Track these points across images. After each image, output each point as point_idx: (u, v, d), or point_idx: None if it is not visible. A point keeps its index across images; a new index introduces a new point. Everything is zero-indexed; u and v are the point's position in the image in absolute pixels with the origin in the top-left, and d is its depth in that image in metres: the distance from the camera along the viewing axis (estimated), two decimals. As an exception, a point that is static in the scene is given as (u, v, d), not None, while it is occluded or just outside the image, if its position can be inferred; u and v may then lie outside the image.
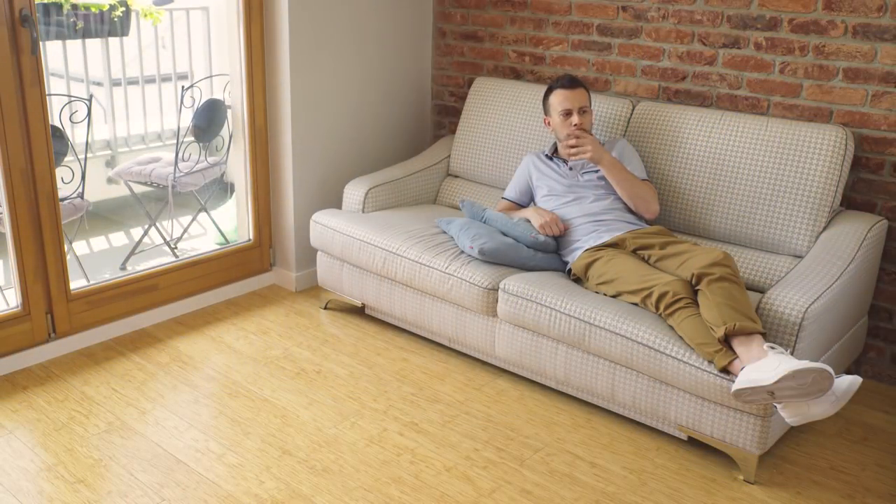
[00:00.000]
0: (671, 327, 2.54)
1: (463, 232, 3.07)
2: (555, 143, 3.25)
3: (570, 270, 2.97)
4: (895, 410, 2.93)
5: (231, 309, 3.59)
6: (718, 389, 2.41)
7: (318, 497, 2.38)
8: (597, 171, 3.11)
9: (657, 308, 2.57)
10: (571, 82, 3.11)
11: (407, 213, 3.48)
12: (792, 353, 2.43)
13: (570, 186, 3.13)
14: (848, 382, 2.22)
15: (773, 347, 2.28)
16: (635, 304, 2.68)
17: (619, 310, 2.64)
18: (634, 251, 2.85)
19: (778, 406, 2.27)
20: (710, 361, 2.41)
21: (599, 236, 2.93)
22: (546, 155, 3.25)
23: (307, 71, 3.55)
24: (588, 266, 2.85)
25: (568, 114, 3.08)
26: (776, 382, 2.16)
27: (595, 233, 2.95)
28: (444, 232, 3.24)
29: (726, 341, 2.38)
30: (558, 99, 3.10)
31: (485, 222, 3.13)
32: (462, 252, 3.06)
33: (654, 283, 2.60)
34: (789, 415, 2.26)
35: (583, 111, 3.08)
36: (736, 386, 2.26)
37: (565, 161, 3.19)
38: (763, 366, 2.22)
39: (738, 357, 2.34)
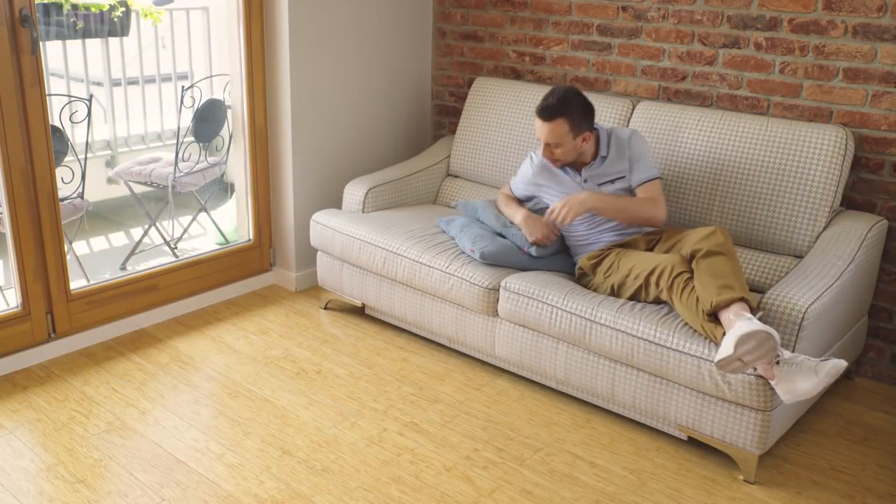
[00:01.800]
0: (674, 310, 2.58)
1: (463, 233, 3.07)
2: None
3: (578, 268, 2.96)
4: (895, 410, 2.93)
5: (231, 309, 3.59)
6: (719, 381, 2.41)
7: (318, 497, 2.38)
8: (613, 183, 2.93)
9: (658, 285, 2.60)
10: (546, 113, 2.81)
11: (407, 213, 3.48)
12: (792, 353, 2.43)
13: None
14: (832, 364, 2.26)
15: (742, 315, 2.31)
16: (636, 301, 2.68)
17: (619, 306, 2.65)
18: (644, 249, 2.87)
19: (772, 382, 2.31)
20: (713, 339, 2.44)
21: (612, 240, 2.94)
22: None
23: (307, 71, 3.55)
24: (596, 264, 2.87)
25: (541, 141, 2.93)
26: (734, 351, 2.23)
27: (609, 238, 2.95)
28: (445, 232, 3.24)
29: (716, 318, 2.41)
30: (535, 123, 2.89)
31: (479, 220, 3.14)
32: (462, 252, 3.06)
33: (656, 263, 2.64)
34: (782, 392, 2.31)
35: (555, 146, 2.85)
36: (715, 358, 2.33)
37: (578, 171, 2.98)
38: (728, 335, 2.29)
39: None
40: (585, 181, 2.96)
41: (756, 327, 2.23)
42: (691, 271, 2.56)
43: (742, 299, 2.38)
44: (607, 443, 2.67)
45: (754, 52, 3.13)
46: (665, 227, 2.93)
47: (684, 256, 2.60)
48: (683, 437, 2.64)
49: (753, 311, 2.40)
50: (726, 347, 2.27)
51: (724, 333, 2.37)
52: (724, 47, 3.19)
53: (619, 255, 2.81)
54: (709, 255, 2.50)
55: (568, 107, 2.80)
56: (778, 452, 2.64)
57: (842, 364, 2.27)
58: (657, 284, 2.60)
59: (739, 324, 2.29)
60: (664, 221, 2.91)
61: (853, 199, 3.04)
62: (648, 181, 2.91)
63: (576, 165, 2.98)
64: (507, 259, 2.97)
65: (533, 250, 2.97)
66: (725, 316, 2.38)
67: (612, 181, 2.94)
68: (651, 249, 2.86)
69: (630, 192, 2.94)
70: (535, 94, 3.53)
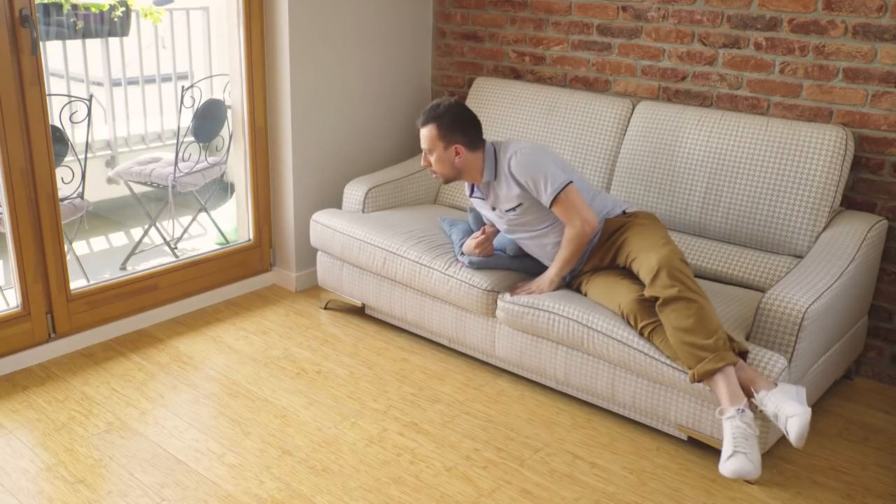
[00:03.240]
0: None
1: (460, 240, 3.08)
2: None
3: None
4: (895, 410, 2.93)
5: (231, 309, 3.59)
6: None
7: (318, 497, 2.38)
8: (514, 211, 2.82)
9: (632, 326, 2.59)
10: (420, 118, 2.82)
11: (407, 213, 3.47)
12: (792, 355, 2.43)
13: (508, 225, 2.91)
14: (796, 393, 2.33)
15: (729, 421, 2.31)
16: None
17: (616, 313, 2.64)
18: (610, 264, 2.79)
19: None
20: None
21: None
22: (469, 185, 2.99)
23: (307, 71, 3.55)
24: (579, 287, 2.86)
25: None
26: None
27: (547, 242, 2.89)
28: (446, 233, 3.24)
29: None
30: None
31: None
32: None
33: (616, 305, 2.61)
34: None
35: (429, 151, 2.82)
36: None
37: (484, 196, 2.92)
38: (725, 450, 2.32)
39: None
40: (494, 209, 2.89)
41: (741, 467, 2.26)
42: (652, 313, 2.51)
43: (727, 366, 2.34)
44: (607, 443, 2.67)
45: (754, 52, 3.13)
46: (627, 221, 2.77)
47: (643, 297, 2.53)
48: (683, 437, 2.64)
49: (743, 355, 2.40)
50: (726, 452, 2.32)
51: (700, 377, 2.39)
52: (724, 47, 3.19)
53: (588, 283, 2.80)
54: (667, 303, 2.42)
55: (440, 114, 2.78)
56: (778, 452, 2.64)
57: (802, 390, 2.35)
58: (628, 324, 2.58)
59: (733, 452, 2.28)
60: (597, 220, 2.74)
61: (853, 199, 3.04)
62: (555, 198, 2.70)
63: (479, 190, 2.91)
64: (496, 265, 2.98)
65: (466, 260, 2.96)
66: (714, 388, 2.37)
67: (514, 209, 2.82)
68: (615, 256, 2.76)
69: (545, 210, 2.78)
70: (536, 94, 3.53)
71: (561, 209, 2.73)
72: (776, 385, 2.35)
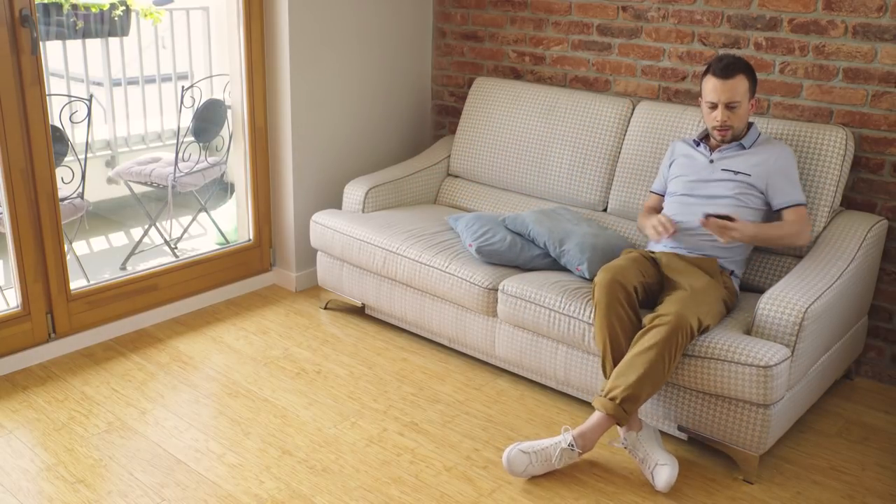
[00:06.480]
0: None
1: (469, 229, 3.08)
2: (705, 129, 2.89)
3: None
4: (895, 410, 2.93)
5: (231, 309, 3.59)
6: (717, 379, 2.41)
7: (318, 497, 2.38)
8: (735, 175, 2.76)
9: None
10: (725, 70, 2.66)
11: (407, 213, 3.48)
12: (793, 353, 2.42)
13: (703, 182, 2.81)
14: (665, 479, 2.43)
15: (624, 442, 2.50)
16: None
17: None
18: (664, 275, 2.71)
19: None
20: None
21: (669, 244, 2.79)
22: (694, 140, 2.90)
23: (307, 71, 3.55)
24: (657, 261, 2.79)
25: (713, 106, 2.72)
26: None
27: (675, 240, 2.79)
28: (452, 229, 3.24)
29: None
30: (707, 87, 2.71)
31: (530, 236, 3.02)
32: (462, 251, 3.07)
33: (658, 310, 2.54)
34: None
35: (731, 106, 2.69)
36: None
37: (710, 150, 2.84)
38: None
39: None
40: (712, 161, 2.80)
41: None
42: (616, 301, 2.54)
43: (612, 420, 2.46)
44: (607, 443, 2.67)
45: (754, 52, 3.13)
46: (706, 261, 2.73)
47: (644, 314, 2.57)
48: (684, 436, 2.64)
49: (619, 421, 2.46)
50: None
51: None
52: (725, 47, 3.19)
53: (667, 276, 2.71)
54: (652, 330, 2.43)
55: (747, 66, 2.70)
56: (778, 452, 2.64)
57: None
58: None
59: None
60: (807, 243, 2.77)
61: (853, 199, 3.04)
62: (797, 205, 2.73)
63: (715, 143, 2.83)
64: (503, 257, 2.97)
65: (585, 271, 2.86)
66: (591, 422, 2.50)
67: (735, 174, 2.75)
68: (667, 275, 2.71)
69: (753, 197, 2.76)
70: (535, 94, 3.53)
71: (797, 217, 2.72)
72: (642, 427, 2.50)
